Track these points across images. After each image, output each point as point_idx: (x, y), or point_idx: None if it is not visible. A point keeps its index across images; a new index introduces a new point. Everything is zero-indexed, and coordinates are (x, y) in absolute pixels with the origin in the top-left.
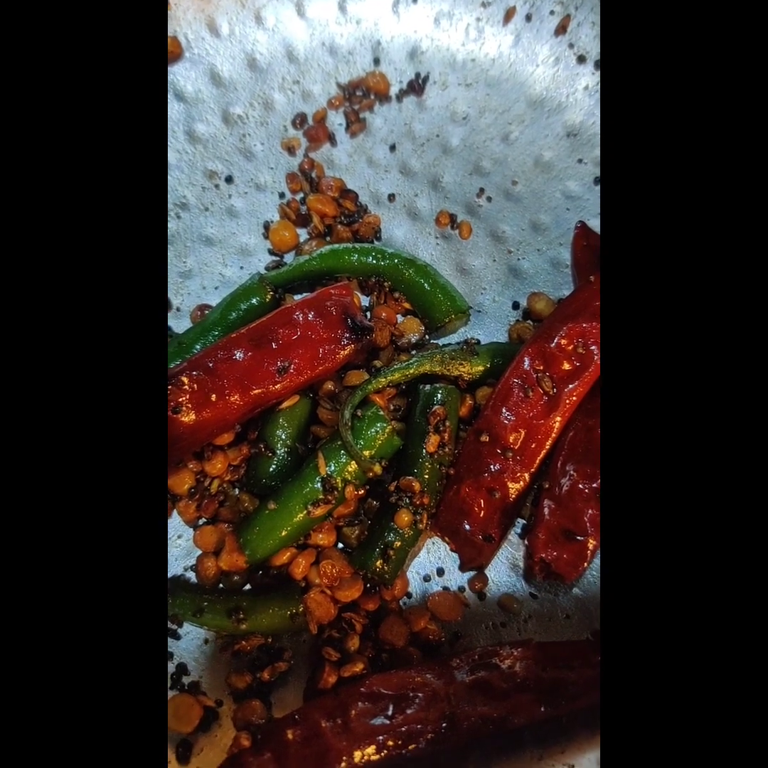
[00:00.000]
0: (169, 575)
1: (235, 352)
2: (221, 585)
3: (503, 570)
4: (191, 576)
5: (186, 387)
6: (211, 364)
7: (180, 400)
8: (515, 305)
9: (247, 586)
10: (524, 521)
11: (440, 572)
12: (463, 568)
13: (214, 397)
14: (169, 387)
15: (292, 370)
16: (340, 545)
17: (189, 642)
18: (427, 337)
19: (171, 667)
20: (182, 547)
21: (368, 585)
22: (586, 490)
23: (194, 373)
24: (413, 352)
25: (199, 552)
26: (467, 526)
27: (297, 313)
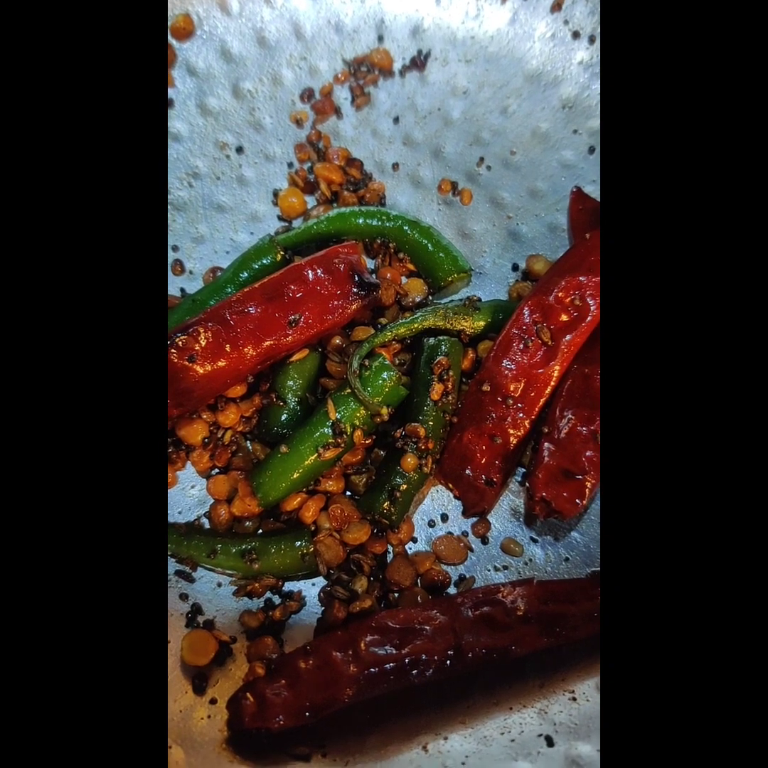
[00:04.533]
0: (184, 521)
1: (249, 305)
2: (234, 531)
3: (505, 516)
4: (205, 523)
5: (202, 337)
6: (226, 316)
7: (195, 348)
8: (514, 267)
9: (259, 532)
10: (524, 469)
11: (444, 518)
12: (466, 513)
13: (228, 347)
14: (185, 337)
15: (302, 323)
16: (348, 493)
17: (203, 585)
18: (430, 297)
19: (186, 608)
20: (196, 497)
21: (375, 529)
22: (584, 432)
23: (209, 323)
24: (417, 311)
25: (212, 500)
26: (470, 472)
27: (307, 270)
